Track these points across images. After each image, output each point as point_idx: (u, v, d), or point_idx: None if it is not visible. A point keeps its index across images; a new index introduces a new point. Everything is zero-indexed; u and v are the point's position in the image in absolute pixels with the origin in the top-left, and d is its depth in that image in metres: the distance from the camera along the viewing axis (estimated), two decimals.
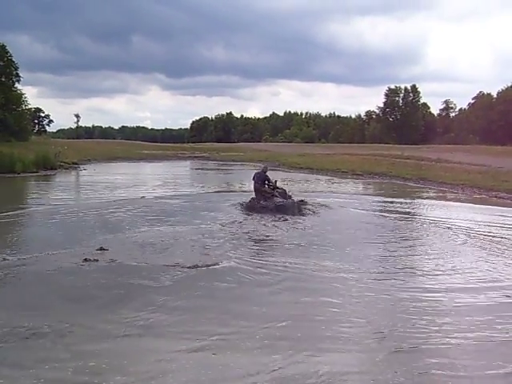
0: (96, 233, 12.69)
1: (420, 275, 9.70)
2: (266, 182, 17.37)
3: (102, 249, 10.67)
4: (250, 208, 16.71)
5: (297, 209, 16.40)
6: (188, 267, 9.60)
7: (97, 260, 9.82)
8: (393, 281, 9.20)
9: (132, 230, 13.27)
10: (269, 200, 16.73)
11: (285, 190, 17.70)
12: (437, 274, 9.70)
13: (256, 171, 18.39)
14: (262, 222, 14.79)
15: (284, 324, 6.94)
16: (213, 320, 7.07)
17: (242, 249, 11.41)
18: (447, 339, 6.57)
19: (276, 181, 17.89)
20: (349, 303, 7.91)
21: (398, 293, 8.48)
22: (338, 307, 7.70)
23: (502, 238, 13.42)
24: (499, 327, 7.02)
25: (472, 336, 6.70)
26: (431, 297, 8.33)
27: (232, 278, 9.11)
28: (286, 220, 15.20)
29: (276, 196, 16.89)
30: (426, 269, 10.14)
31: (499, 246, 12.33)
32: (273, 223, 14.67)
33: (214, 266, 9.77)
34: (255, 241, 12.55)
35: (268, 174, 17.78)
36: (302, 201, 17.38)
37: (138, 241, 11.80)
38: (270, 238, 12.97)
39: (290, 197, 17.31)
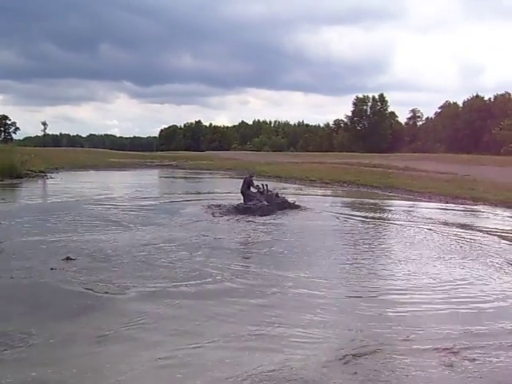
0: (62, 241, 12.41)
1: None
2: (252, 186, 19.08)
3: (68, 258, 10.49)
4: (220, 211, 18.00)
5: (266, 211, 17.82)
6: (154, 276, 9.55)
7: (63, 269, 9.67)
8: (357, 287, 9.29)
9: (99, 237, 13.08)
10: (249, 202, 18.48)
11: (272, 194, 19.40)
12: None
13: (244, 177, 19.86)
14: (231, 227, 15.29)
15: (252, 333, 6.90)
16: (177, 330, 7.00)
17: (208, 253, 11.38)
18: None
19: (267, 185, 19.78)
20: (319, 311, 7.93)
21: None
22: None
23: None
24: None
25: None
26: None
27: (197, 287, 9.01)
28: (253, 222, 16.12)
29: (257, 199, 18.49)
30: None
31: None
32: (242, 227, 14.83)
33: (179, 275, 9.70)
34: (221, 248, 12.43)
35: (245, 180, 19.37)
36: (292, 203, 19.36)
37: (106, 249, 11.63)
38: (236, 244, 13.17)
39: (284, 200, 19.29)
